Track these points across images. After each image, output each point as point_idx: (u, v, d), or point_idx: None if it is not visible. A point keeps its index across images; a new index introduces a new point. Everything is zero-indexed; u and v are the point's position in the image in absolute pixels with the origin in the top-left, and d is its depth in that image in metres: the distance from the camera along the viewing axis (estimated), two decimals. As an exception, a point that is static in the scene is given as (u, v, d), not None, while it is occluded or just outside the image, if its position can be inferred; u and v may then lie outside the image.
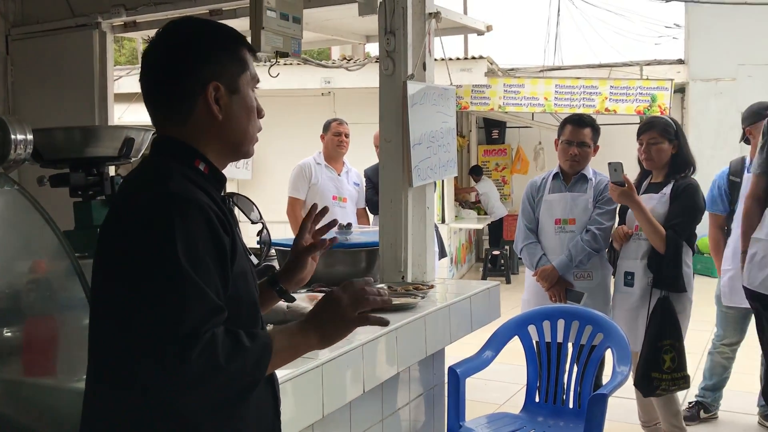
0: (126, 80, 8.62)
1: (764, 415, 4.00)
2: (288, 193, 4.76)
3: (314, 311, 1.31)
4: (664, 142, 3.31)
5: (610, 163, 3.31)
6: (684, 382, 3.24)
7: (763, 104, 3.93)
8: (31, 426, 1.61)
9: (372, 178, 4.70)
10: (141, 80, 1.35)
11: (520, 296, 3.82)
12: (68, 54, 4.02)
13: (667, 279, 3.19)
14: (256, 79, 1.38)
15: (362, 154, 5.79)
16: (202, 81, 1.30)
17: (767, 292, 2.87)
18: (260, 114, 1.39)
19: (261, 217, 1.92)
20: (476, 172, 11.16)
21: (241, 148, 1.37)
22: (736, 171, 4.09)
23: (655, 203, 3.28)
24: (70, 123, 2.37)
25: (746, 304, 3.86)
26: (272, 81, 4.85)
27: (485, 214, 10.61)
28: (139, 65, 1.39)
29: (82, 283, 1.59)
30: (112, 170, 2.16)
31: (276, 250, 3.13)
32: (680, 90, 11.09)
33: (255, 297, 1.36)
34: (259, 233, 1.98)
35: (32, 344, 1.69)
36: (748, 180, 3.92)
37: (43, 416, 1.63)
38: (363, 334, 2.12)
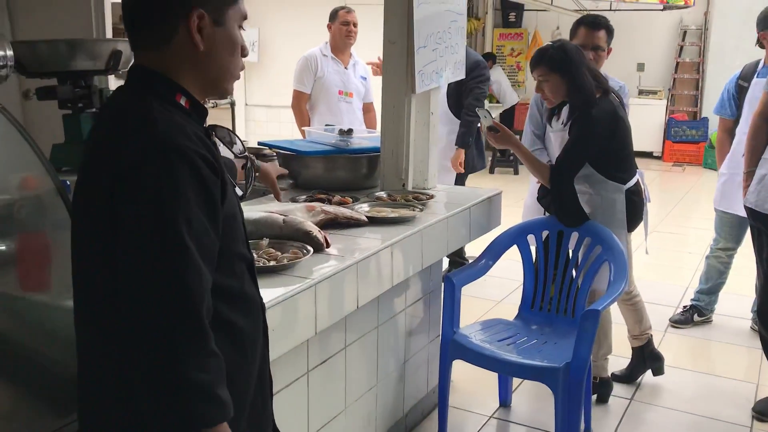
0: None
1: (755, 321, 4.07)
2: (293, 86, 4.62)
3: None
4: (555, 75, 2.93)
5: (479, 110, 3.10)
6: None
7: None
8: (25, 342, 1.64)
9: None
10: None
11: (526, 188, 3.80)
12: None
13: (557, 213, 3.00)
14: (244, 17, 1.33)
15: (370, 41, 5.56)
16: (187, 6, 1.23)
17: None
18: (244, 52, 1.34)
19: (244, 150, 1.86)
20: (491, 59, 10.82)
21: (220, 84, 1.32)
22: (746, 76, 3.97)
23: (561, 139, 3.10)
24: (66, 35, 2.26)
25: (737, 212, 3.84)
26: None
27: (497, 102, 10.40)
28: None
29: (65, 203, 1.58)
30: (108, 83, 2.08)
31: (277, 153, 3.09)
32: (709, -25, 10.53)
33: (242, 235, 1.34)
34: (243, 167, 1.93)
35: (26, 259, 1.70)
36: (755, 85, 3.79)
37: (37, 333, 1.66)
38: (357, 252, 2.12)
